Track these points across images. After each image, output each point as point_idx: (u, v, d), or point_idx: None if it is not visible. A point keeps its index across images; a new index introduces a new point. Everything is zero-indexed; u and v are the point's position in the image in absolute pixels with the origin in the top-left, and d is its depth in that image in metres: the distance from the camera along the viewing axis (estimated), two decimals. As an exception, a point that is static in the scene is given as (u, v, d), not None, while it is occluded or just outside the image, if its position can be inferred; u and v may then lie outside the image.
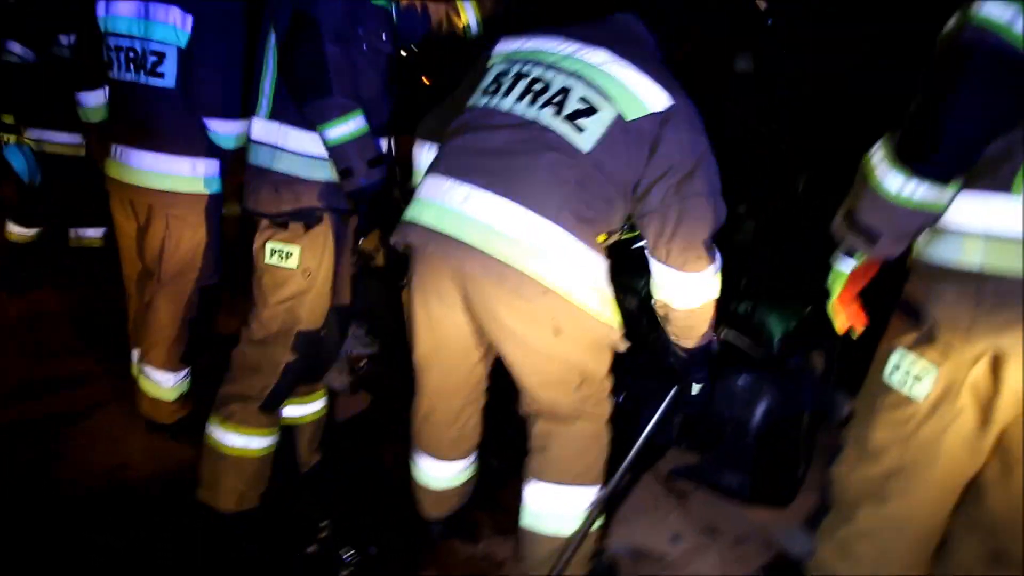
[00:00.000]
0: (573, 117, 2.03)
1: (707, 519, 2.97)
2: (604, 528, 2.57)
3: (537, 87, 2.09)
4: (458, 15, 2.96)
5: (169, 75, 2.92)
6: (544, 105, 2.06)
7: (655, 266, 2.11)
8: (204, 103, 2.92)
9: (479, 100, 2.21)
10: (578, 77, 2.07)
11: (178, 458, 3.20)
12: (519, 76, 2.14)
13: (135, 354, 3.37)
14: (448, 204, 2.07)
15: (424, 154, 2.39)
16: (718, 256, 2.12)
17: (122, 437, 3.36)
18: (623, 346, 2.18)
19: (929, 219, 1.65)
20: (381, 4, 2.53)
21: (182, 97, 2.92)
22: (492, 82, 2.20)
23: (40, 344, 4.23)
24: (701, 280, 2.08)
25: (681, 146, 2.02)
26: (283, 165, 2.54)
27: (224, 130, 2.96)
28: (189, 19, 2.85)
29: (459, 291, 2.14)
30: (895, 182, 1.61)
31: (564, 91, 2.06)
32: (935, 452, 1.77)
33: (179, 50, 2.89)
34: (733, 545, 2.86)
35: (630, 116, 2.01)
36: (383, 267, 3.09)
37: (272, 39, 2.55)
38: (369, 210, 2.54)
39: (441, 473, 2.59)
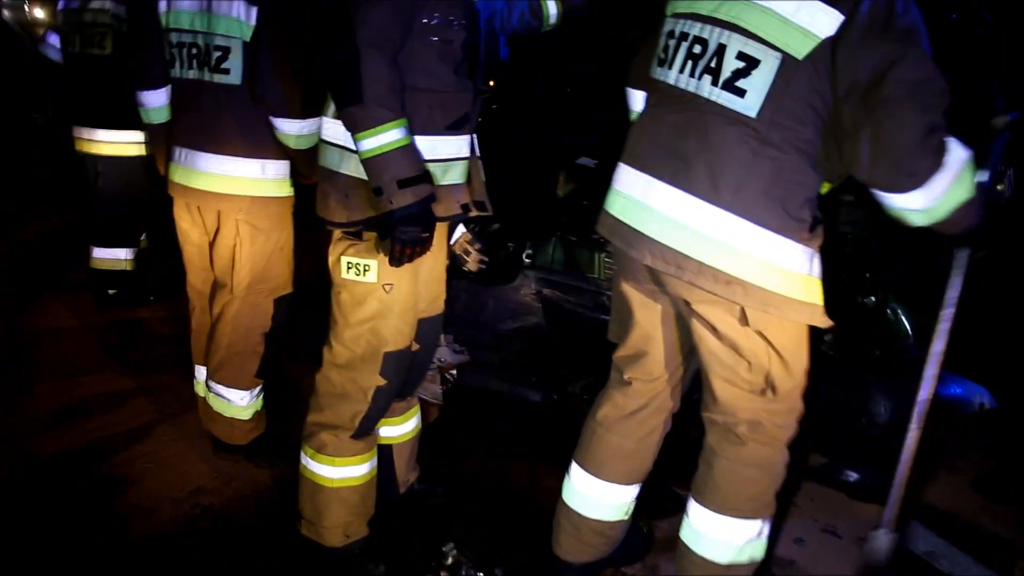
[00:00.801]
0: (732, 81, 1.86)
1: (824, 520, 2.88)
2: (765, 564, 2.37)
3: (696, 49, 1.93)
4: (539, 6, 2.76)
5: (235, 71, 2.71)
6: (703, 72, 1.91)
7: (878, 197, 1.89)
8: (271, 100, 2.71)
9: (655, 72, 2.08)
10: (734, 28, 1.87)
11: (254, 480, 3.03)
12: (682, 38, 1.98)
13: (200, 371, 3.15)
14: (631, 194, 2.02)
15: (635, 103, 2.27)
16: (949, 156, 1.78)
17: (187, 460, 3.15)
18: (825, 322, 1.99)
19: None
20: None
21: (248, 95, 2.72)
22: (662, 48, 2.06)
23: (64, 361, 3.98)
24: (930, 194, 1.81)
25: (868, 54, 1.75)
26: (352, 167, 2.21)
27: (291, 129, 2.74)
28: (254, 11, 2.65)
29: (655, 282, 2.06)
30: None
31: (720, 50, 1.88)
32: None
33: (244, 44, 2.68)
34: (856, 542, 2.76)
35: (802, 54, 1.79)
36: (474, 271, 2.88)
37: None
38: (401, 234, 2.13)
39: (603, 497, 2.40)
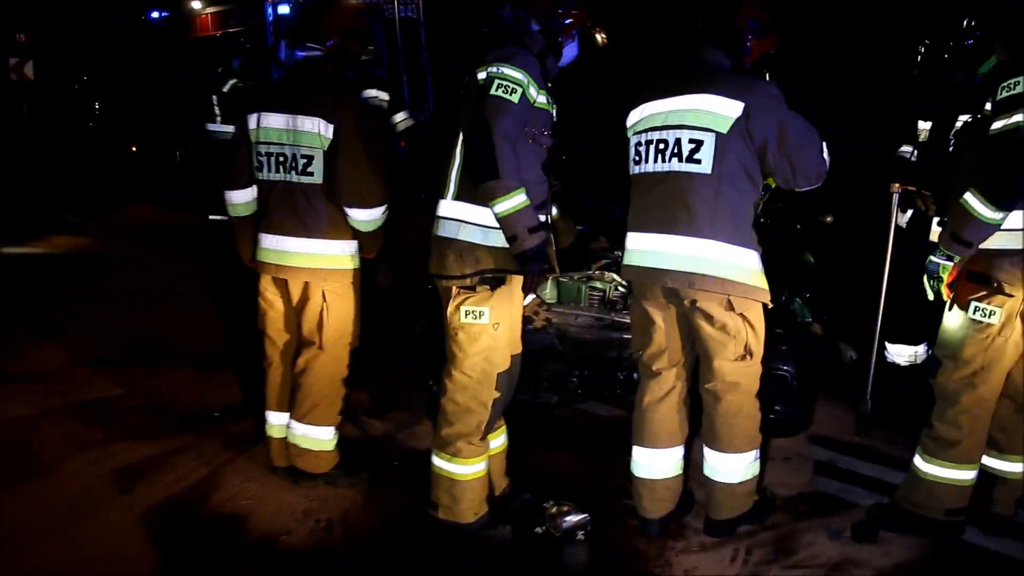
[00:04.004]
0: (691, 156, 2.95)
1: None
2: (761, 473, 3.42)
3: (661, 146, 3.03)
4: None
5: (317, 173, 3.47)
6: (671, 157, 3.00)
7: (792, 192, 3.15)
8: (346, 195, 3.48)
9: (633, 169, 3.19)
10: (680, 127, 2.97)
11: (344, 496, 3.71)
12: (647, 143, 3.08)
13: (276, 416, 3.81)
14: (642, 248, 3.11)
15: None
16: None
17: (274, 493, 3.75)
18: (769, 302, 3.08)
19: (996, 229, 2.89)
20: (543, 107, 3.07)
21: (328, 191, 3.49)
22: (635, 153, 3.15)
23: (75, 437, 4.36)
24: (821, 179, 3.02)
25: (765, 123, 2.87)
26: (464, 235, 3.08)
27: (362, 216, 3.53)
28: (331, 127, 3.42)
29: (668, 298, 3.12)
30: (988, 212, 2.82)
31: (678, 142, 2.97)
32: (1003, 352, 3.06)
33: (324, 152, 3.45)
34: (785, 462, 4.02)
35: (724, 130, 2.89)
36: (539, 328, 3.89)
37: (461, 137, 3.12)
38: (533, 267, 3.00)
39: (663, 462, 3.33)
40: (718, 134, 2.91)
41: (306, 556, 3.31)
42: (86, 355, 5.71)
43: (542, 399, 4.09)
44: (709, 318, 3.05)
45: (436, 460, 3.30)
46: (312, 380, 3.65)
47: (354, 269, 3.65)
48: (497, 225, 3.00)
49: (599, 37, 3.38)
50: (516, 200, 2.91)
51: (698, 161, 2.95)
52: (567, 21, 3.16)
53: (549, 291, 4.25)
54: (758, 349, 3.14)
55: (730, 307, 3.02)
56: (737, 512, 3.30)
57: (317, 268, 3.55)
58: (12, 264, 8.83)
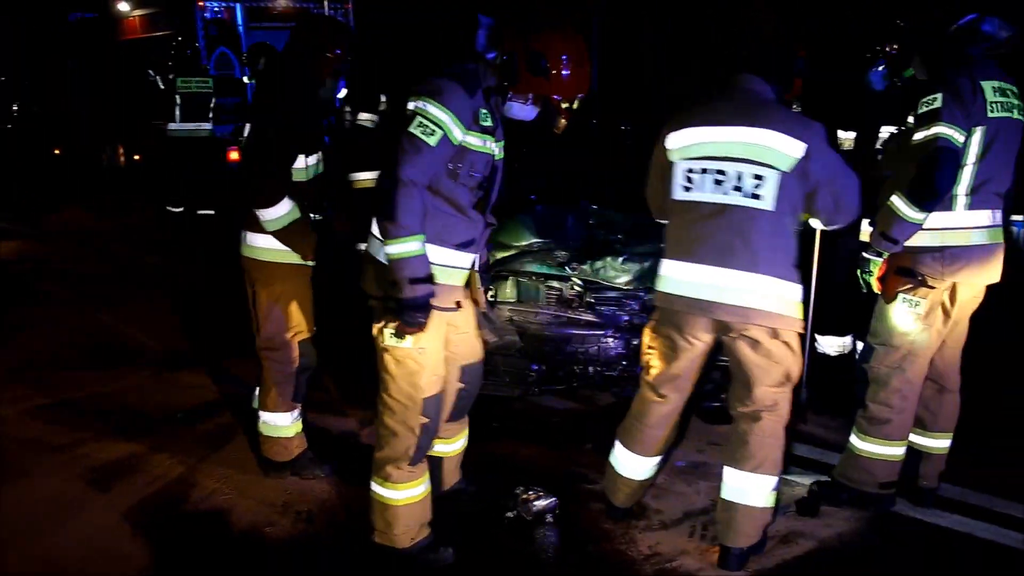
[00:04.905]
0: (753, 191, 2.96)
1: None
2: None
3: (720, 177, 3.01)
4: None
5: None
6: (732, 189, 2.99)
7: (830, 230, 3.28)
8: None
9: (680, 194, 3.13)
10: (743, 161, 2.97)
11: (321, 488, 3.87)
12: (703, 172, 3.04)
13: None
14: (692, 279, 3.08)
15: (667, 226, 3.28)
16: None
17: (252, 487, 3.89)
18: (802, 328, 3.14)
19: (919, 228, 3.24)
20: (474, 148, 2.96)
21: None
22: (685, 180, 3.10)
23: (40, 443, 4.40)
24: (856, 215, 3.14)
25: (823, 167, 2.96)
26: (383, 256, 2.93)
27: None
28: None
29: (709, 329, 3.13)
30: (912, 213, 3.17)
31: (739, 175, 2.98)
32: (928, 339, 3.42)
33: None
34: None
35: (787, 168, 2.94)
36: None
37: None
38: (407, 317, 2.90)
39: (647, 465, 3.47)
40: (781, 172, 2.96)
41: (293, 546, 3.48)
42: (42, 358, 5.69)
43: (503, 392, 4.32)
44: (755, 346, 3.09)
45: (372, 484, 3.23)
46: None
47: None
48: None
49: (562, 121, 3.04)
50: (406, 247, 2.83)
51: (759, 197, 2.98)
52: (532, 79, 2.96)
53: (510, 290, 4.48)
54: (797, 374, 3.19)
55: (775, 335, 3.07)
56: (754, 540, 3.31)
57: None
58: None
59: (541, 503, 3.59)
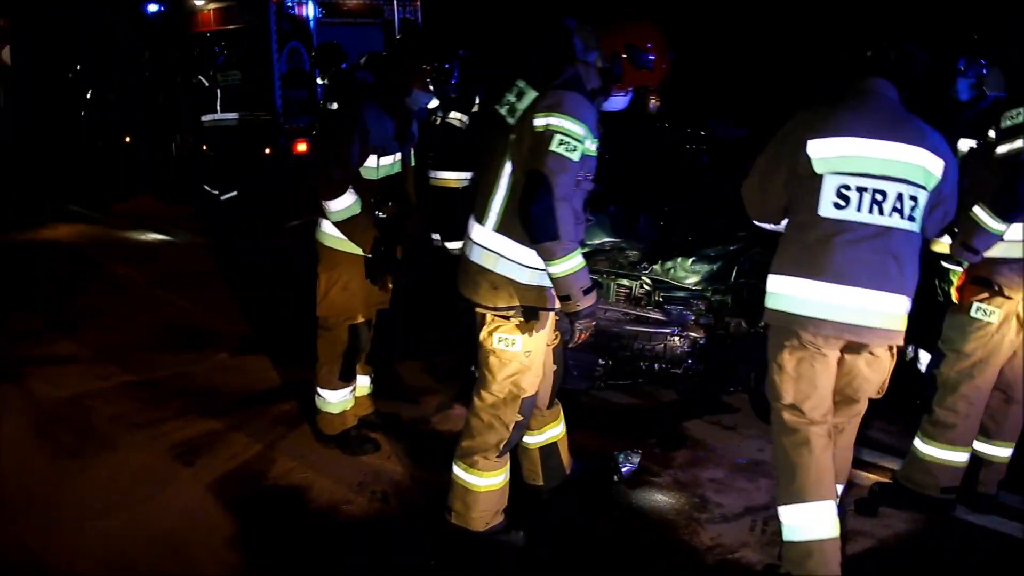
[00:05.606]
0: (910, 213, 2.90)
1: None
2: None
3: (879, 198, 2.87)
4: None
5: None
6: (891, 212, 2.88)
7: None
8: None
9: (831, 212, 2.89)
10: (902, 181, 2.87)
11: (389, 468, 4.05)
12: (861, 190, 2.86)
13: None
14: (833, 301, 2.90)
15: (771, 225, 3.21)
16: None
17: (327, 467, 4.07)
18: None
19: (999, 239, 3.29)
20: (592, 154, 3.01)
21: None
22: (838, 196, 2.88)
23: (124, 420, 4.63)
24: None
25: (953, 185, 3.00)
26: (502, 269, 3.07)
27: None
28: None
29: (841, 349, 3.01)
30: (994, 224, 3.22)
31: (899, 196, 2.87)
32: (999, 348, 3.48)
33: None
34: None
35: (931, 188, 2.93)
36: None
37: (508, 167, 3.04)
38: (582, 324, 3.04)
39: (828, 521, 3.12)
40: (927, 192, 2.94)
41: (370, 524, 3.66)
42: (123, 340, 5.96)
43: (570, 385, 4.43)
44: (872, 361, 3.04)
45: (455, 468, 3.35)
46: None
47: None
48: (537, 265, 3.02)
49: (652, 102, 3.16)
50: (573, 262, 2.92)
51: (913, 219, 2.92)
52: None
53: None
54: (887, 382, 3.16)
55: (890, 350, 3.05)
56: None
57: None
58: (22, 251, 9.01)
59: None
